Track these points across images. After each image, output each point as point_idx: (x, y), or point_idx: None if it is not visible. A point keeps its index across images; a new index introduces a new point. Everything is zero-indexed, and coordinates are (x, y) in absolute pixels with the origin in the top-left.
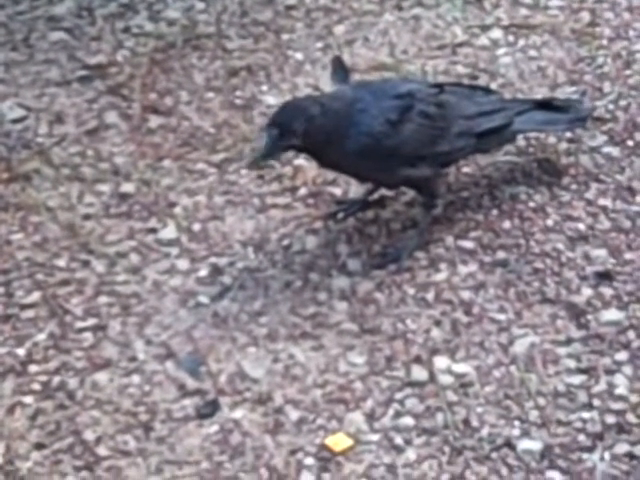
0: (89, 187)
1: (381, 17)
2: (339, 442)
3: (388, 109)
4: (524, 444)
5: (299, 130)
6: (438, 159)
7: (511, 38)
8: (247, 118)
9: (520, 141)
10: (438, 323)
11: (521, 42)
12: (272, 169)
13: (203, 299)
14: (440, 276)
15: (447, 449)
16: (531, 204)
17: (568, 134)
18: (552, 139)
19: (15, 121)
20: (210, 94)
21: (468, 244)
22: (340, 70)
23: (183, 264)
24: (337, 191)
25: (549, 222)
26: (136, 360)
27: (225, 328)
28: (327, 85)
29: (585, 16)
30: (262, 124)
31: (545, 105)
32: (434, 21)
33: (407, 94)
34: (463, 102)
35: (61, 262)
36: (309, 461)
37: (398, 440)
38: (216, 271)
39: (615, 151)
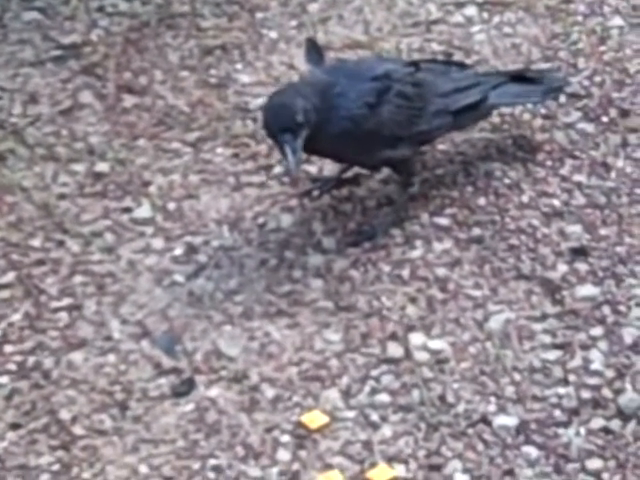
0: (64, 167)
1: None
2: (315, 419)
3: (366, 92)
4: (500, 420)
5: (303, 120)
6: (417, 138)
7: (485, 15)
8: (222, 97)
9: (495, 118)
10: (413, 300)
11: (495, 19)
12: (247, 147)
13: (178, 278)
14: (415, 253)
15: (423, 425)
16: (506, 181)
17: (543, 110)
18: (527, 115)
19: None
20: (184, 73)
21: (443, 221)
22: (314, 52)
23: (158, 243)
24: (312, 169)
25: (524, 198)
26: (111, 339)
27: (200, 307)
28: (302, 64)
29: None
30: (236, 102)
31: (519, 77)
32: None
33: (384, 75)
34: (439, 79)
35: (36, 242)
36: (285, 438)
37: (374, 417)
38: (191, 250)
39: (590, 127)
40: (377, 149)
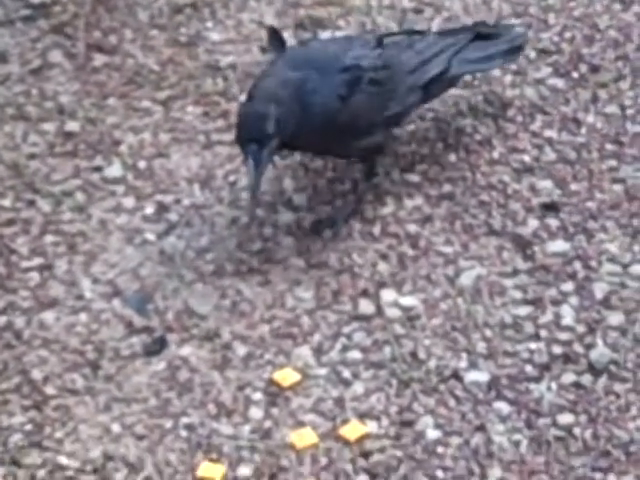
0: (34, 126)
1: None
2: (287, 377)
3: (337, 85)
4: (471, 376)
5: (274, 131)
6: (389, 121)
7: None
8: (192, 55)
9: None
10: (384, 257)
11: None
12: (217, 106)
13: (149, 236)
14: (386, 210)
15: (395, 382)
16: (477, 137)
17: (513, 66)
18: (497, 72)
19: None
20: (154, 31)
21: (414, 177)
22: (275, 41)
23: (129, 202)
24: None
25: (495, 155)
26: (83, 299)
27: (172, 265)
28: (271, 20)
29: None
30: (207, 61)
31: (480, 36)
32: None
33: (354, 66)
34: (405, 55)
35: (6, 202)
36: (257, 396)
37: (346, 374)
38: (162, 208)
39: (560, 83)
40: (354, 139)
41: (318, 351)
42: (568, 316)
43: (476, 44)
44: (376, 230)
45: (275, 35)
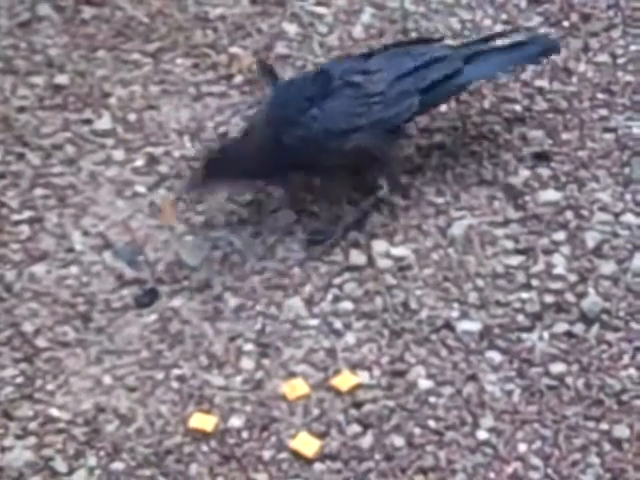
0: (23, 79)
1: None
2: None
3: (303, 95)
4: (463, 325)
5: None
6: (381, 126)
7: None
8: (181, 7)
9: (455, 24)
10: (376, 207)
11: None
12: (207, 57)
13: (140, 189)
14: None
15: (386, 332)
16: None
17: (504, 15)
18: (487, 21)
19: None
20: None
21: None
22: (266, 72)
23: (119, 154)
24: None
25: (485, 104)
26: (73, 251)
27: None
28: None
29: None
30: (196, 12)
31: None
32: None
33: (320, 73)
34: (397, 59)
35: None
36: (248, 347)
37: (337, 324)
38: (152, 160)
39: (551, 32)
40: (335, 142)
41: (309, 302)
42: (560, 265)
43: (494, 52)
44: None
45: (265, 68)
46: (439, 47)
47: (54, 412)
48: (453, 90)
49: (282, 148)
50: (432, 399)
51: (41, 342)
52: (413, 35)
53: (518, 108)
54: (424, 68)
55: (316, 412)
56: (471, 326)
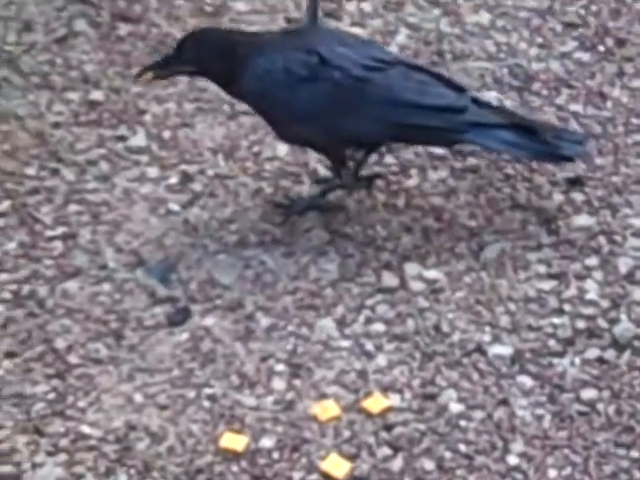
0: (58, 95)
1: None
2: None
3: (294, 60)
4: (495, 349)
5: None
6: (340, 133)
7: None
8: (217, 25)
9: (490, 46)
10: (409, 229)
11: None
12: None
13: (173, 206)
14: (411, 182)
15: (418, 355)
16: None
17: (539, 39)
18: (523, 44)
19: None
20: (179, 1)
21: (439, 150)
22: (312, 9)
23: (153, 172)
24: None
25: None
26: (106, 268)
27: (195, 235)
28: None
29: None
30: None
31: (525, 127)
32: None
33: (316, 52)
34: (401, 84)
35: (31, 170)
36: (280, 367)
37: (369, 346)
38: (186, 178)
39: (586, 56)
40: (289, 122)
41: (341, 323)
42: (592, 291)
43: (516, 131)
44: (400, 202)
45: (313, 7)
46: (456, 97)
47: (85, 429)
48: (435, 140)
49: None
50: (463, 423)
51: (73, 359)
52: (448, 57)
53: None
54: (418, 109)
55: (347, 434)
56: (503, 350)
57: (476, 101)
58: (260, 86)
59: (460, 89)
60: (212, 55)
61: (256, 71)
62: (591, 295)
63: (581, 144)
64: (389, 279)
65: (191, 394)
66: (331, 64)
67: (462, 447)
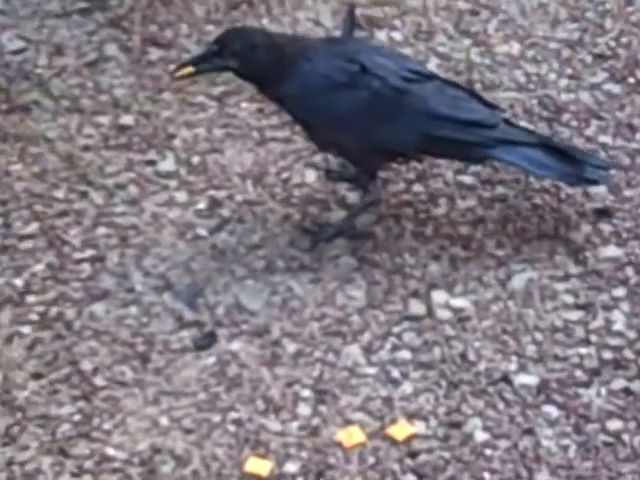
0: (88, 119)
1: None
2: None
3: (335, 67)
4: (521, 379)
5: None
6: (373, 141)
7: None
8: None
9: (520, 77)
10: (436, 258)
11: None
12: (271, 103)
13: (201, 231)
14: (439, 211)
15: (444, 383)
16: None
17: (569, 70)
18: (552, 75)
19: (15, 52)
20: (210, 27)
21: (467, 179)
22: (348, 21)
23: (182, 196)
24: None
25: None
26: (134, 291)
27: (223, 260)
28: (327, 20)
29: None
30: None
31: (552, 147)
32: None
33: (358, 61)
34: (436, 97)
35: (59, 193)
36: (306, 393)
37: (395, 373)
38: (215, 204)
39: (616, 88)
40: (323, 128)
41: (368, 350)
42: (619, 322)
43: (543, 150)
44: (428, 231)
45: (350, 16)
46: (489, 114)
47: (110, 451)
48: (464, 156)
49: None
50: (488, 452)
51: (99, 381)
52: (478, 87)
53: None
54: (450, 122)
55: (371, 460)
56: (529, 380)
57: (506, 120)
58: (300, 90)
59: (492, 106)
60: (259, 52)
61: (299, 75)
62: (618, 326)
63: (605, 169)
64: (416, 307)
65: (216, 418)
66: (371, 73)
67: (487, 476)
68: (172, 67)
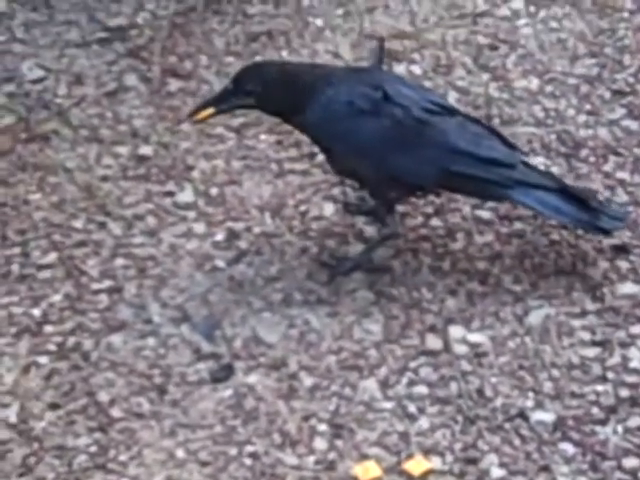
0: (107, 149)
1: None
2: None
3: (359, 94)
4: (537, 415)
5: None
6: (391, 170)
7: (532, 9)
8: None
9: (538, 112)
10: (453, 292)
11: (542, 13)
12: (290, 135)
13: (219, 263)
14: (456, 245)
15: (460, 418)
16: None
17: (587, 106)
18: (571, 111)
19: (34, 82)
20: (230, 58)
21: (485, 214)
22: (377, 53)
23: (200, 228)
24: None
25: None
26: (151, 323)
27: (241, 292)
28: (347, 53)
29: None
30: None
31: (569, 192)
32: None
33: (380, 88)
34: (456, 132)
35: (78, 223)
36: (322, 427)
37: (412, 408)
38: (233, 235)
39: (634, 125)
40: (341, 154)
41: (384, 384)
42: (636, 359)
43: (562, 194)
44: (446, 265)
45: (379, 49)
46: (508, 153)
47: None
48: (481, 193)
49: None
50: None
51: (116, 412)
52: (496, 121)
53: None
54: (468, 157)
55: None
56: (545, 416)
57: (525, 163)
58: (323, 116)
59: (512, 146)
60: (274, 86)
61: (322, 101)
62: (635, 363)
63: (621, 220)
64: (433, 342)
65: (233, 451)
66: (394, 101)
67: None
68: (191, 108)
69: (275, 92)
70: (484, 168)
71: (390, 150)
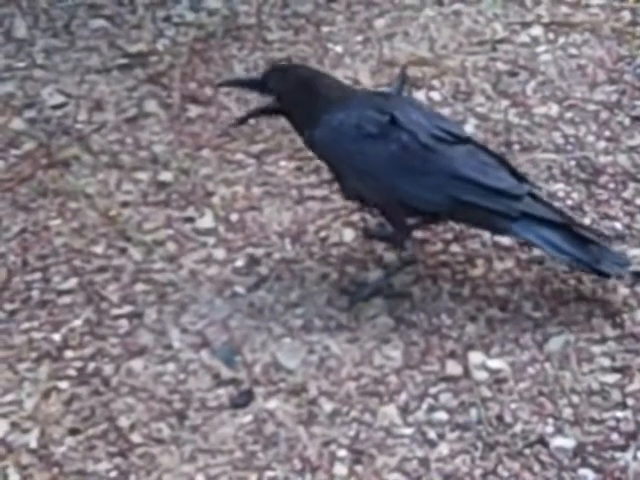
0: (127, 175)
1: (421, 12)
2: None
3: (367, 117)
4: (557, 441)
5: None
6: (397, 195)
7: (551, 36)
8: None
9: (558, 138)
10: (473, 319)
11: (561, 40)
12: (310, 161)
13: (239, 289)
14: (476, 272)
15: (480, 444)
16: (568, 202)
17: (607, 132)
18: (590, 137)
19: (55, 107)
20: None
21: (505, 240)
22: (400, 80)
23: (220, 254)
24: None
25: (586, 220)
26: (171, 348)
27: (261, 318)
28: (366, 79)
29: (626, 15)
30: None
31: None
32: (474, 17)
33: (388, 112)
34: (464, 160)
35: (98, 249)
36: (342, 453)
37: (431, 434)
38: (253, 261)
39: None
40: (349, 176)
41: (404, 410)
42: None
43: (566, 232)
44: (465, 292)
45: (402, 76)
46: (515, 185)
47: None
48: (485, 224)
49: None
50: None
51: (136, 437)
52: (516, 148)
53: (619, 226)
54: (473, 185)
55: None
56: (565, 442)
57: (533, 195)
58: (330, 137)
59: (521, 178)
60: (295, 92)
61: (333, 121)
62: None
63: (622, 267)
64: (453, 368)
65: (253, 477)
66: (401, 126)
67: None
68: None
69: (294, 97)
70: (489, 197)
71: (396, 175)
